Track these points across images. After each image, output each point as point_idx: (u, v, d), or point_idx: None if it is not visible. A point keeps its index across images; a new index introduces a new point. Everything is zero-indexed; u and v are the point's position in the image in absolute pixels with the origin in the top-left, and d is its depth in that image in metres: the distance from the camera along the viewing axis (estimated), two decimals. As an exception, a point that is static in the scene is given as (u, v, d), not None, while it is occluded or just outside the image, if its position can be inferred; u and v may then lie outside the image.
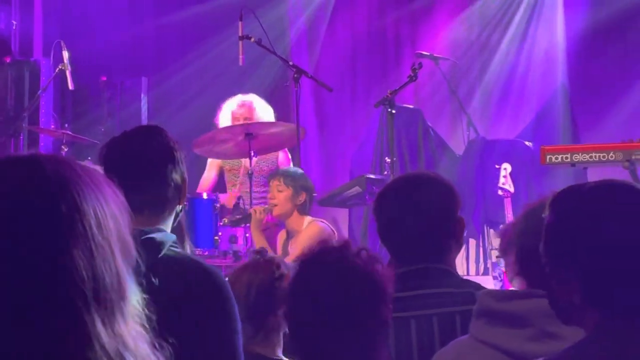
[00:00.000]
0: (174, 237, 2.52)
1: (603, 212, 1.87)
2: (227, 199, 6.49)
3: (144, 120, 8.38)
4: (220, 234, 6.12)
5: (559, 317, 1.95)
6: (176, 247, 2.50)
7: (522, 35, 8.59)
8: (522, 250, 2.34)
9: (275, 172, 6.36)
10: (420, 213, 2.88)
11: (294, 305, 2.33)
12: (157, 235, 2.43)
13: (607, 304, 1.85)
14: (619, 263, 1.83)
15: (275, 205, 6.12)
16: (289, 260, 3.73)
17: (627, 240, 1.83)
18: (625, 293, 1.83)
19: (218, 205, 6.18)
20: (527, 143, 7.64)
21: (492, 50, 8.66)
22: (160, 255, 2.41)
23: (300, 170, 6.27)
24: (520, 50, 8.59)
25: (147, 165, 2.60)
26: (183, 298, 2.38)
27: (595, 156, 5.17)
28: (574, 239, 1.86)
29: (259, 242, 6.03)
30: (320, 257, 2.34)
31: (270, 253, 5.40)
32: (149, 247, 2.35)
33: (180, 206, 2.66)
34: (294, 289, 2.34)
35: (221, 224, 6.15)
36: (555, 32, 8.45)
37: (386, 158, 6.46)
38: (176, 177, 2.62)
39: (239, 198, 6.38)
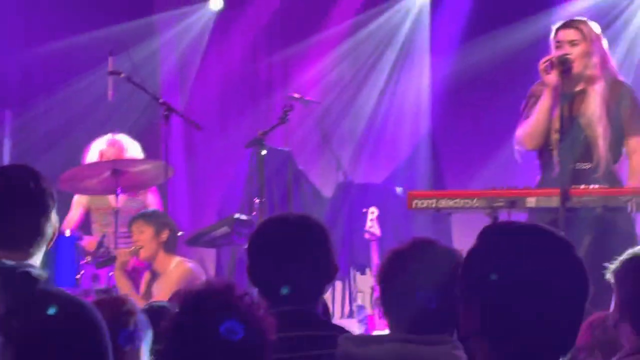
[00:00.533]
0: (47, 272, 2.49)
1: (511, 250, 1.93)
2: (89, 243, 6.34)
3: (6, 154, 8.15)
4: (82, 271, 5.99)
5: (460, 339, 2.02)
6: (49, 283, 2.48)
7: (392, 80, 8.76)
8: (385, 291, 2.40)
9: (133, 216, 6.30)
10: (295, 254, 2.88)
11: (170, 350, 2.27)
12: (32, 270, 2.40)
13: (498, 337, 1.88)
14: (516, 301, 1.88)
15: (141, 248, 6.03)
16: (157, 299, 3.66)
17: (525, 282, 1.88)
18: (516, 330, 1.88)
19: (80, 243, 6.05)
20: (396, 188, 7.75)
21: (363, 93, 8.79)
22: (35, 290, 2.37)
23: (158, 210, 6.24)
24: (391, 95, 8.75)
25: (20, 209, 2.66)
26: (58, 332, 2.34)
27: (459, 202, 5.25)
28: (484, 269, 1.91)
29: (123, 284, 5.92)
30: (203, 300, 2.27)
31: (126, 293, 5.31)
32: (24, 281, 2.31)
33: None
34: (174, 334, 2.27)
35: (84, 262, 6.02)
36: (423, 77, 8.65)
37: (255, 199, 6.45)
38: (48, 219, 2.68)
39: (103, 236, 6.26)
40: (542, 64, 5.29)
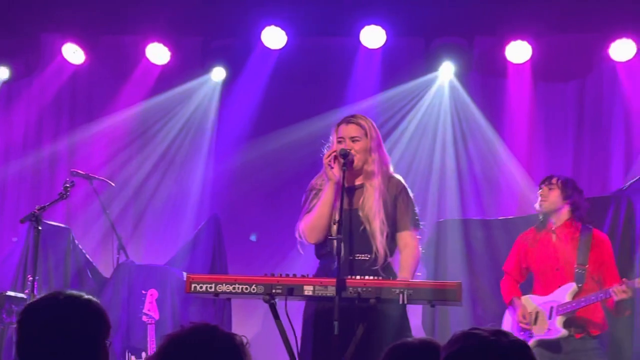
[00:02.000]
0: None
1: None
2: None
3: None
4: None
5: None
6: None
7: (177, 163, 8.76)
8: None
9: None
10: (64, 335, 2.78)
11: None
12: None
13: None
14: None
15: None
16: None
17: None
18: None
19: None
20: (182, 272, 7.67)
21: (150, 174, 8.72)
22: None
23: None
24: (177, 178, 8.73)
25: None
26: None
27: (238, 288, 5.24)
28: None
29: None
30: None
31: None
32: None
33: None
34: None
35: None
36: (208, 163, 8.71)
37: (29, 276, 6.21)
38: None
39: None
40: (326, 158, 5.41)
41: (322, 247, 5.53)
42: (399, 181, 5.67)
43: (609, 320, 6.54)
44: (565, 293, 6.33)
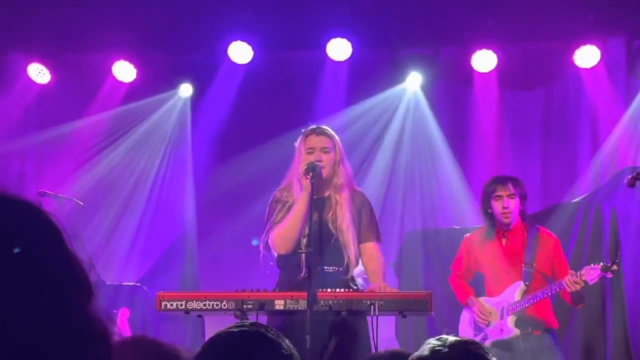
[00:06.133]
0: None
1: None
2: None
3: None
4: None
5: None
6: None
7: (157, 184, 8.73)
8: None
9: None
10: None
11: None
12: None
13: None
14: None
15: None
16: None
17: None
18: None
19: None
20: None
21: (120, 192, 8.68)
22: None
23: None
24: (149, 194, 8.70)
25: None
26: None
27: (209, 304, 5.22)
28: None
29: None
30: None
31: None
32: None
33: None
34: None
35: None
36: (187, 182, 8.68)
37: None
38: None
39: None
40: (302, 167, 5.39)
41: (287, 259, 5.50)
42: (363, 194, 5.70)
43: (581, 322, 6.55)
44: (514, 292, 6.36)
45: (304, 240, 5.38)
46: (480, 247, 6.55)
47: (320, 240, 5.39)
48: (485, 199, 6.47)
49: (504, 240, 6.50)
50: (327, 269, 5.39)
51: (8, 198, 1.31)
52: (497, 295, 6.46)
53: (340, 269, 5.43)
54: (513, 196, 6.37)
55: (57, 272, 1.26)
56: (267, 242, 5.49)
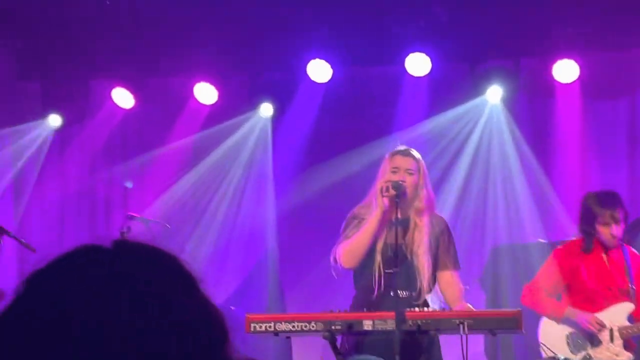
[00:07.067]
0: None
1: None
2: None
3: None
4: None
5: None
6: None
7: (235, 202, 8.80)
8: None
9: None
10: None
11: None
12: None
13: None
14: None
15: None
16: None
17: None
18: None
19: None
20: (240, 311, 7.67)
21: (205, 214, 8.77)
22: None
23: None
24: (232, 215, 8.77)
25: None
26: None
27: (297, 326, 5.26)
28: None
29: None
30: None
31: None
32: None
33: None
34: None
35: None
36: (268, 200, 8.73)
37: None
38: None
39: None
40: (382, 183, 5.40)
41: (361, 278, 5.52)
42: (443, 220, 5.67)
43: None
44: (622, 313, 6.16)
45: (379, 260, 5.39)
46: (580, 259, 6.31)
47: (394, 262, 5.37)
48: (589, 220, 6.26)
49: (604, 256, 6.30)
50: (400, 292, 5.36)
51: (148, 247, 1.33)
52: (598, 311, 6.26)
53: (413, 293, 5.42)
54: (620, 221, 6.20)
55: (198, 319, 1.27)
56: (335, 255, 5.52)
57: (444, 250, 5.53)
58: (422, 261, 5.43)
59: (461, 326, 5.05)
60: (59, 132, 8.98)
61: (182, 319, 1.26)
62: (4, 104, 8.72)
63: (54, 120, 8.92)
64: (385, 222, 5.40)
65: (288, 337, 5.89)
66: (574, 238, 6.47)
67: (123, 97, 8.77)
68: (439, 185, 7.75)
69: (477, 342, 7.43)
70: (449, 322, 5.12)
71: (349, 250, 5.46)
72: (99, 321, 1.21)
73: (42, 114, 8.85)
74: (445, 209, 7.39)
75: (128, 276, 1.27)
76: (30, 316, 1.23)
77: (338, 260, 5.50)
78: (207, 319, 1.29)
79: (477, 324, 5.07)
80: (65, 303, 1.23)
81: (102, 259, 1.30)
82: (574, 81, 8.29)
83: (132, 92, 8.77)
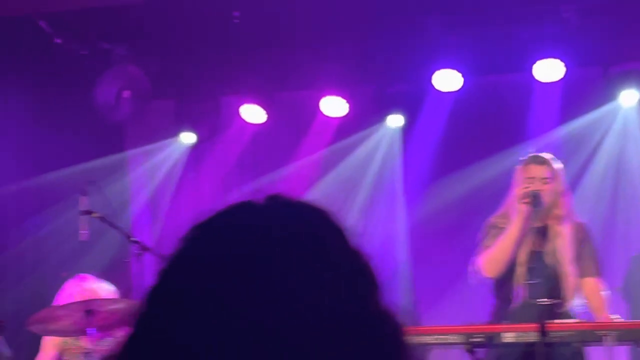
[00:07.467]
0: None
1: None
2: None
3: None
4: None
5: None
6: None
7: (366, 214, 8.81)
8: None
9: (104, 356, 6.12)
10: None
11: None
12: None
13: None
14: None
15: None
16: None
17: None
18: None
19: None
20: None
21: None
22: None
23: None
24: (358, 230, 8.76)
25: None
26: None
27: (437, 338, 5.22)
28: None
29: None
30: None
31: None
32: None
33: None
34: None
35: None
36: (398, 211, 8.71)
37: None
38: None
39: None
40: (522, 190, 5.33)
41: (502, 289, 5.45)
42: (585, 227, 5.56)
43: None
44: None
45: (522, 270, 5.31)
46: None
47: (537, 271, 5.28)
48: None
49: None
50: (540, 301, 5.27)
51: (300, 201, 1.34)
52: None
53: (555, 301, 5.31)
54: None
55: (354, 269, 1.28)
56: (476, 265, 5.47)
57: (588, 257, 5.42)
58: (566, 269, 5.33)
59: (607, 337, 4.93)
60: (193, 150, 9.14)
61: (340, 270, 1.27)
62: (139, 125, 8.92)
63: (187, 138, 9.07)
64: (525, 230, 5.33)
65: (427, 350, 5.85)
66: None
67: (252, 113, 8.86)
68: (571, 191, 7.58)
69: (621, 354, 7.23)
70: (592, 334, 5.00)
71: (492, 258, 5.40)
72: (279, 264, 1.23)
73: (175, 132, 9.02)
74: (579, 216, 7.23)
75: (288, 227, 1.28)
76: (221, 251, 1.24)
77: (481, 269, 5.45)
78: (362, 270, 1.29)
79: (624, 335, 4.95)
80: (246, 245, 1.24)
81: (260, 210, 1.31)
82: None
83: (261, 107, 8.84)
